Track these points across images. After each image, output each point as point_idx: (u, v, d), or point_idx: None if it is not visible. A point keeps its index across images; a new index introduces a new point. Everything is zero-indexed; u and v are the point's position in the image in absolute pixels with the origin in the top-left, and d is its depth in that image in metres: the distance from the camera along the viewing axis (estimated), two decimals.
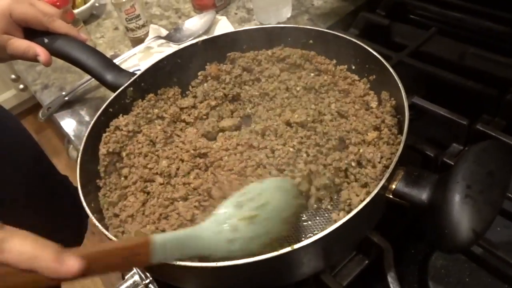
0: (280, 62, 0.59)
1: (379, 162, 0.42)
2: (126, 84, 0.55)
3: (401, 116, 0.46)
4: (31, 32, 0.60)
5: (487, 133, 0.48)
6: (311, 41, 0.58)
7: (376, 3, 0.74)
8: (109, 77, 0.56)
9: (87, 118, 0.72)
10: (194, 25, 0.82)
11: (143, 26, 0.82)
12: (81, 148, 0.48)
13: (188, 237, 0.34)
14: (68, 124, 0.71)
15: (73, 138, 0.70)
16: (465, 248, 0.31)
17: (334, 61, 0.56)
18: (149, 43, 0.79)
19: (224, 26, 0.81)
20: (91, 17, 0.97)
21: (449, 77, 0.56)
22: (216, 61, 0.61)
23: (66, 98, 0.74)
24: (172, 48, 0.79)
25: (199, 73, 0.60)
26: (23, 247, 0.25)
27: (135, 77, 0.56)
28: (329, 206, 0.45)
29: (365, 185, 0.42)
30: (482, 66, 0.57)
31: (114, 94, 0.54)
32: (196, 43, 0.60)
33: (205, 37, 0.76)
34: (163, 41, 0.80)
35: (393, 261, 0.39)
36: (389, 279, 0.39)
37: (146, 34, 0.83)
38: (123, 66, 0.62)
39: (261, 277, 0.38)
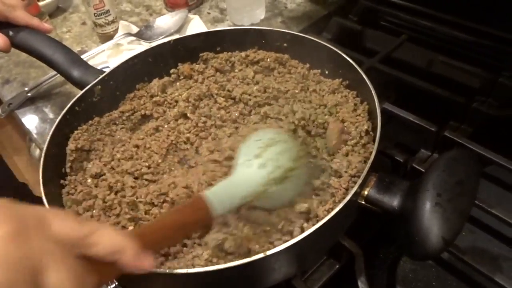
0: (254, 64, 0.58)
1: (346, 172, 0.42)
2: (93, 82, 0.53)
3: (373, 121, 0.47)
4: None
5: (455, 140, 0.49)
6: (285, 44, 0.58)
7: (348, 8, 0.75)
8: (76, 73, 0.54)
9: (51, 116, 0.69)
10: (166, 23, 0.80)
11: (113, 22, 0.80)
12: (45, 146, 0.46)
13: (232, 183, 0.37)
14: (31, 122, 0.68)
15: (35, 136, 0.66)
16: (435, 255, 0.31)
17: (308, 65, 0.57)
18: (119, 39, 0.77)
19: (196, 25, 0.80)
20: (57, 10, 0.93)
21: (419, 84, 0.57)
22: (189, 61, 0.60)
23: (29, 94, 0.71)
24: (143, 46, 0.77)
25: (171, 71, 0.59)
26: (112, 241, 0.25)
27: (103, 75, 0.54)
28: None
29: (332, 195, 0.42)
30: (450, 74, 0.59)
31: (81, 92, 0.52)
32: (168, 42, 0.59)
33: (177, 36, 0.75)
34: (133, 38, 0.78)
35: (363, 265, 0.40)
36: (360, 283, 0.39)
37: (116, 31, 0.80)
38: (90, 63, 0.60)
39: (233, 284, 0.37)
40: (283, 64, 0.58)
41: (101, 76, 0.54)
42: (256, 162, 0.38)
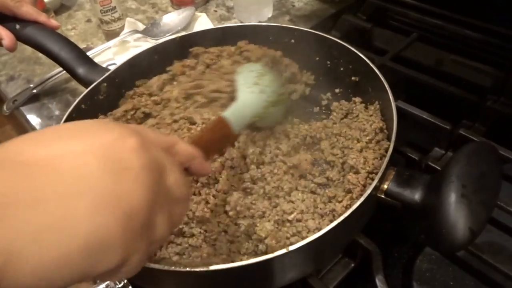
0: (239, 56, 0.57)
1: (362, 168, 0.42)
2: (99, 80, 0.52)
3: (386, 120, 0.46)
4: (1, 17, 0.56)
5: (470, 138, 0.48)
6: (292, 41, 0.57)
7: (357, 7, 0.75)
8: (81, 70, 0.53)
9: (56, 113, 0.67)
10: (172, 20, 0.80)
11: (119, 19, 0.79)
12: None
13: (242, 105, 0.42)
14: (36, 119, 0.67)
15: None
16: (463, 247, 0.31)
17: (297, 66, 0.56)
18: (125, 37, 0.76)
19: (203, 23, 0.80)
20: (62, 7, 0.92)
21: (430, 82, 0.56)
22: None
23: (34, 91, 0.70)
24: (149, 43, 0.76)
25: (167, 68, 0.57)
26: (188, 150, 0.29)
27: (109, 72, 0.53)
28: None
29: (349, 191, 0.41)
30: (462, 72, 0.58)
31: (87, 90, 0.51)
32: (174, 39, 0.58)
33: (183, 33, 0.74)
34: (139, 35, 0.77)
35: (381, 264, 0.39)
36: (378, 282, 0.38)
37: (122, 28, 0.80)
38: (96, 60, 0.59)
39: (250, 282, 0.36)
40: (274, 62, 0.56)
41: (106, 74, 0.53)
42: (256, 89, 0.45)
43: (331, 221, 0.38)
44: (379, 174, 0.36)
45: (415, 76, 0.58)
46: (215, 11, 0.85)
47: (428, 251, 0.43)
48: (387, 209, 0.38)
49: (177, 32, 0.78)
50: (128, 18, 0.80)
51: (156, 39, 0.77)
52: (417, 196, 0.35)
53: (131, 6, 0.91)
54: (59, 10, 0.91)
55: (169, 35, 0.77)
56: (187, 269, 0.31)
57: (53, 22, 0.59)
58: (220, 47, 0.58)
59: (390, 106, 0.44)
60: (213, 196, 0.40)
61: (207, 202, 0.40)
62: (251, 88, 0.45)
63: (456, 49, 0.62)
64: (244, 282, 0.36)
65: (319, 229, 0.37)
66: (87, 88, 0.53)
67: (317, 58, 0.56)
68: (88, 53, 0.65)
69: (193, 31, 0.73)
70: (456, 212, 0.31)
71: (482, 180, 0.32)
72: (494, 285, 0.40)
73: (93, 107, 0.51)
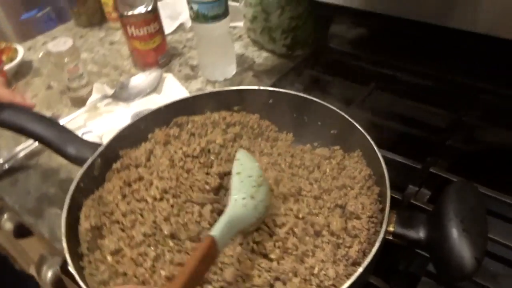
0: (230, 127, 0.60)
1: (362, 213, 0.46)
2: (94, 157, 0.52)
3: (370, 166, 0.52)
4: None
5: (440, 175, 0.55)
6: (270, 101, 0.62)
7: (314, 60, 0.82)
8: (71, 149, 0.53)
9: (31, 190, 0.65)
10: (141, 83, 0.82)
11: (87, 84, 0.79)
12: (63, 230, 0.44)
13: (231, 221, 0.40)
14: (10, 195, 0.65)
15: (18, 209, 0.63)
16: (472, 276, 0.36)
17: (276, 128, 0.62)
18: (95, 102, 0.76)
19: (171, 83, 0.82)
20: (17, 74, 0.91)
21: (396, 127, 0.64)
22: (165, 126, 0.60)
23: (6, 166, 0.68)
24: (121, 106, 0.78)
25: (149, 136, 0.59)
26: None
27: (101, 148, 0.53)
28: None
29: (355, 236, 0.45)
30: (420, 116, 0.67)
31: (84, 169, 0.51)
32: (159, 108, 0.59)
33: (154, 94, 0.77)
34: (109, 100, 0.78)
35: None
36: None
37: (89, 93, 0.80)
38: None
39: None
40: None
41: (99, 150, 0.53)
42: (251, 203, 0.43)
43: (346, 266, 0.43)
44: (386, 219, 0.41)
45: (380, 123, 0.65)
46: (179, 70, 0.88)
47: (425, 280, 0.48)
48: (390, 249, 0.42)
49: (147, 94, 0.80)
50: (95, 84, 0.80)
51: (128, 103, 0.78)
52: (421, 234, 0.40)
53: (92, 69, 0.91)
54: (15, 78, 0.89)
55: (140, 98, 0.79)
56: None
57: (29, 101, 0.59)
58: (203, 115, 0.61)
59: (373, 154, 0.50)
60: None
61: None
62: (245, 200, 0.43)
63: (412, 96, 0.70)
64: None
65: (339, 277, 0.41)
66: (78, 165, 0.53)
67: (294, 115, 0.61)
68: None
69: (162, 93, 0.77)
70: (460, 246, 0.36)
71: (474, 213, 0.38)
72: None
73: (90, 184, 0.52)
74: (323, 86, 0.77)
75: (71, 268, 0.41)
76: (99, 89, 0.80)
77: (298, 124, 0.61)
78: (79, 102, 0.80)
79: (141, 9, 0.82)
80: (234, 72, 0.85)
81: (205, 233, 0.46)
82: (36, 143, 0.69)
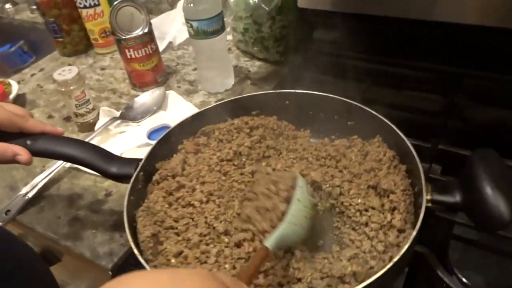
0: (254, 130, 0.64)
1: (396, 188, 0.51)
2: (137, 171, 0.55)
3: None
4: (6, 135, 0.56)
5: (448, 150, 0.62)
6: (287, 102, 0.66)
7: (308, 64, 0.88)
8: (114, 169, 0.55)
9: (61, 215, 0.66)
10: (146, 102, 0.84)
11: (93, 109, 0.81)
12: (133, 247, 0.46)
13: (281, 236, 0.44)
14: (40, 223, 0.65)
15: (51, 234, 0.63)
16: (511, 223, 0.41)
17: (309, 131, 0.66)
18: (107, 125, 0.78)
19: (175, 99, 0.85)
20: None
21: (398, 114, 0.70)
22: (192, 137, 0.64)
23: (29, 196, 0.68)
24: (131, 126, 0.80)
25: (179, 147, 0.62)
26: None
27: (142, 162, 0.56)
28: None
29: (393, 209, 0.50)
30: (416, 104, 0.74)
31: (131, 183, 0.54)
32: (186, 119, 0.63)
33: (161, 112, 0.80)
34: (118, 121, 0.80)
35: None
36: (440, 274, 0.47)
37: (95, 118, 0.82)
38: None
39: None
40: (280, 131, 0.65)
41: (140, 164, 0.56)
42: (299, 230, 0.47)
43: (394, 235, 0.47)
44: (424, 188, 0.46)
45: (385, 113, 0.71)
46: (179, 87, 0.91)
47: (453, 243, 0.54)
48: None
49: (154, 112, 0.82)
50: (102, 108, 0.82)
51: (138, 122, 0.80)
52: (457, 198, 0.45)
53: (91, 95, 0.92)
54: None
55: (149, 116, 0.81)
56: None
57: (58, 129, 0.60)
58: (226, 122, 0.65)
59: (394, 136, 0.55)
60: None
61: None
62: (296, 227, 0.46)
63: (406, 86, 0.77)
64: None
65: (391, 245, 0.46)
66: (120, 181, 0.56)
67: (310, 113, 0.66)
68: None
69: (168, 109, 0.80)
70: (496, 200, 0.42)
71: (501, 173, 0.44)
72: None
73: (137, 196, 0.54)
74: (323, 86, 0.82)
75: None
76: (106, 112, 0.81)
77: (315, 120, 0.66)
78: (87, 127, 0.81)
79: (138, 32, 0.84)
80: (233, 83, 0.89)
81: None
82: (53, 171, 0.70)
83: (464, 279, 0.50)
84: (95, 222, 0.64)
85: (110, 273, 0.58)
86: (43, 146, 0.56)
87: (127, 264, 0.58)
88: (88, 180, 0.71)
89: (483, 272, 0.51)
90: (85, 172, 0.72)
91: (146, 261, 0.48)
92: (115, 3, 0.82)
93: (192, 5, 0.77)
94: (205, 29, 0.78)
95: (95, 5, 1.01)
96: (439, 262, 0.51)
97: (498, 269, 0.52)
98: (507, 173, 0.45)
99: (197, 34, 0.79)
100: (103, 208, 0.66)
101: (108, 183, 0.70)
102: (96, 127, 0.79)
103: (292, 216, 0.46)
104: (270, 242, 0.43)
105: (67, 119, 0.86)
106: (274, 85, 0.87)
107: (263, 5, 0.85)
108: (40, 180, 0.70)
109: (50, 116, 0.88)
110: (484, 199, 0.43)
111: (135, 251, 0.45)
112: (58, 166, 0.71)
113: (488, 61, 0.73)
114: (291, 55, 0.91)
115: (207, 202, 0.54)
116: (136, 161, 0.56)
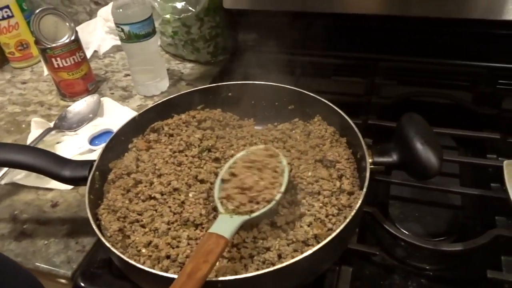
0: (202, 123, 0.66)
1: (341, 158, 0.57)
2: (92, 171, 0.54)
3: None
4: None
5: (376, 123, 0.70)
6: (230, 94, 0.70)
7: (239, 61, 0.92)
8: (67, 172, 0.54)
9: (4, 231, 0.62)
10: (81, 110, 0.82)
11: None
12: (104, 241, 0.47)
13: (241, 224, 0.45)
14: None
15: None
16: (440, 171, 0.48)
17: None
18: (42, 136, 0.75)
19: (111, 105, 0.84)
20: None
21: (328, 98, 0.77)
22: (141, 135, 0.65)
23: None
24: (68, 135, 0.77)
25: (129, 146, 0.63)
26: None
27: (97, 161, 0.56)
28: None
29: (340, 176, 0.56)
30: (343, 88, 0.81)
31: (88, 183, 0.53)
32: (133, 119, 0.63)
33: (99, 118, 0.79)
34: (53, 132, 0.77)
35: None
36: (387, 227, 0.53)
37: None
38: None
39: None
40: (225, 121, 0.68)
41: (95, 164, 0.55)
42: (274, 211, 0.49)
43: (345, 197, 0.53)
44: (366, 153, 0.52)
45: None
46: (112, 93, 0.90)
47: (392, 202, 0.61)
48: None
49: (91, 119, 0.81)
50: (34, 119, 0.78)
51: (75, 130, 0.78)
52: (394, 157, 0.52)
53: (14, 110, 0.87)
54: None
55: (86, 123, 0.79)
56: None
57: None
58: (173, 118, 0.66)
59: (333, 114, 0.61)
60: None
61: None
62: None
63: (330, 73, 0.84)
64: None
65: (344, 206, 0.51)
66: (74, 184, 0.55)
67: (252, 102, 0.70)
68: None
69: (104, 115, 0.79)
70: (426, 153, 0.49)
71: (427, 131, 0.52)
72: None
73: (95, 195, 0.54)
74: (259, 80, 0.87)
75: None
76: (39, 123, 0.78)
77: (257, 109, 0.70)
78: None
79: (64, 40, 0.82)
80: (168, 85, 0.90)
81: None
82: None
83: (404, 231, 0.57)
84: (46, 233, 0.61)
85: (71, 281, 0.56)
86: None
87: (89, 270, 0.57)
88: (29, 193, 0.67)
89: (420, 222, 0.59)
90: (24, 187, 0.68)
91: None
92: (36, 11, 0.79)
93: (121, 10, 0.78)
94: (137, 32, 0.79)
95: (9, 17, 0.96)
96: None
97: (432, 218, 0.60)
98: (430, 129, 0.53)
99: (129, 38, 0.79)
100: (52, 218, 0.63)
101: (52, 194, 0.67)
102: (29, 140, 0.76)
103: (275, 203, 0.49)
104: (229, 232, 0.43)
105: None
106: (208, 84, 0.89)
107: (190, 8, 0.88)
108: None
109: None
110: (416, 154, 0.50)
111: (107, 244, 0.45)
112: None
113: (398, 47, 0.84)
114: (220, 55, 0.94)
115: (169, 192, 0.55)
116: (88, 162, 0.56)
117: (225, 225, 0.45)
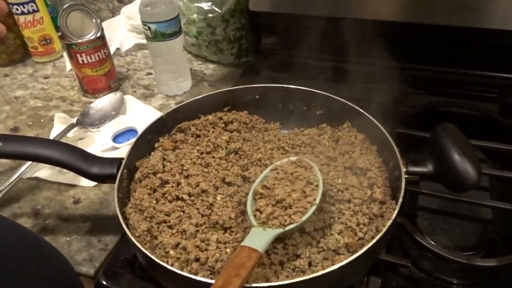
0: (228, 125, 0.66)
1: (372, 166, 0.56)
2: (121, 170, 0.53)
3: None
4: None
5: (404, 132, 0.69)
6: (257, 97, 0.69)
7: (263, 64, 0.91)
8: (96, 169, 0.53)
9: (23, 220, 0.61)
10: (103, 107, 0.81)
11: None
12: (134, 240, 0.45)
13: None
14: None
15: None
16: (478, 183, 0.47)
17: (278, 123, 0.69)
18: (65, 132, 0.74)
19: (134, 103, 0.84)
20: None
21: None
22: (167, 134, 0.64)
23: None
24: (91, 132, 0.77)
25: (155, 145, 0.62)
26: None
27: (124, 160, 0.55)
28: None
29: (371, 185, 0.55)
30: (369, 95, 0.80)
31: (117, 181, 0.52)
32: (161, 117, 0.62)
33: (121, 116, 0.78)
34: (76, 128, 0.76)
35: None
36: (418, 238, 0.52)
37: None
38: None
39: None
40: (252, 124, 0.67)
41: (123, 162, 0.55)
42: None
43: (377, 207, 0.52)
44: (400, 161, 0.51)
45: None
46: (134, 91, 0.90)
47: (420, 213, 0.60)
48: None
49: (114, 116, 0.80)
50: (57, 114, 0.78)
51: (97, 127, 0.77)
52: (430, 167, 0.51)
53: (36, 105, 0.87)
54: None
55: (109, 121, 0.79)
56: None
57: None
58: (198, 119, 0.66)
59: (364, 120, 0.60)
60: None
61: None
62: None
63: (357, 81, 0.83)
64: None
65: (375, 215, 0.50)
66: (101, 181, 0.55)
67: (280, 106, 0.69)
68: None
69: (126, 113, 0.78)
70: (464, 164, 0.48)
71: (464, 142, 0.51)
72: None
73: (123, 194, 0.53)
74: (283, 83, 0.86)
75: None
76: (61, 119, 0.77)
77: (284, 113, 0.69)
78: None
79: (90, 36, 0.82)
80: (190, 85, 0.89)
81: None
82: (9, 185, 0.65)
83: (434, 243, 0.56)
84: (68, 230, 0.60)
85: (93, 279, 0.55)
86: (17, 148, 0.53)
87: (111, 269, 0.56)
88: (51, 189, 0.67)
89: (449, 235, 0.58)
90: (46, 182, 0.68)
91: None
92: (65, 6, 0.79)
93: (148, 8, 0.77)
94: (163, 31, 0.78)
95: (34, 11, 0.96)
96: None
97: (461, 231, 0.58)
98: (467, 141, 0.52)
99: (155, 36, 0.79)
100: (74, 215, 0.63)
101: (74, 190, 0.67)
102: (52, 135, 0.75)
103: (309, 216, 0.47)
104: (262, 246, 0.42)
105: (15, 129, 0.80)
106: (231, 85, 0.89)
107: (216, 9, 0.87)
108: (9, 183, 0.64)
109: None
110: (454, 165, 0.49)
111: (138, 244, 0.44)
112: (13, 181, 0.65)
113: (425, 56, 0.83)
114: (243, 57, 0.94)
115: (197, 194, 0.54)
116: (116, 160, 0.55)
117: (258, 238, 0.44)
